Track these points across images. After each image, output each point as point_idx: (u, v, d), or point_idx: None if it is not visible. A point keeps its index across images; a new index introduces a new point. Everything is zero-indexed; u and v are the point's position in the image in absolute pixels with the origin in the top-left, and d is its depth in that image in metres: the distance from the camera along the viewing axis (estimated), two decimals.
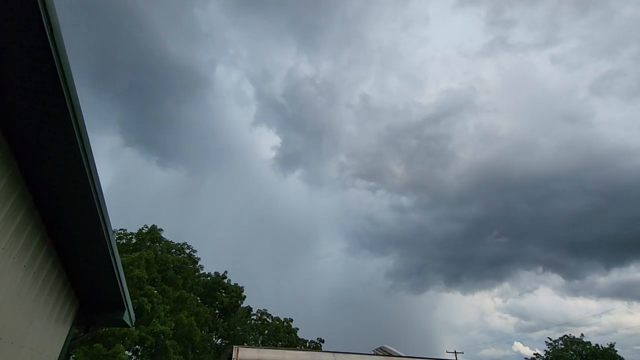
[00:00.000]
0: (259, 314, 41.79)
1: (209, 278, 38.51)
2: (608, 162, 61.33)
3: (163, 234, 34.25)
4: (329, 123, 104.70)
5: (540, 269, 70.01)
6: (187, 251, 36.49)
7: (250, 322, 40.22)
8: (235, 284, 39.93)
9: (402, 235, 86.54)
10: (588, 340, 41.31)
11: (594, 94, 72.31)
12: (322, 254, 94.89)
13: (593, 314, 63.07)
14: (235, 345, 14.65)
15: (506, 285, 78.54)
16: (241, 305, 39.73)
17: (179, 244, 36.08)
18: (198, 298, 34.42)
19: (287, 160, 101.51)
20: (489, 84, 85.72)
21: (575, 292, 65.48)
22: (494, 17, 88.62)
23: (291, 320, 42.42)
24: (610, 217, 62.17)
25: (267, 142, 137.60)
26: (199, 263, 37.11)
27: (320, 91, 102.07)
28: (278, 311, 42.83)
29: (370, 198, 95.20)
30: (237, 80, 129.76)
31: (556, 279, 68.06)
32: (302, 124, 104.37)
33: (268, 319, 41.72)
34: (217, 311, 37.82)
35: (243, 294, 39.78)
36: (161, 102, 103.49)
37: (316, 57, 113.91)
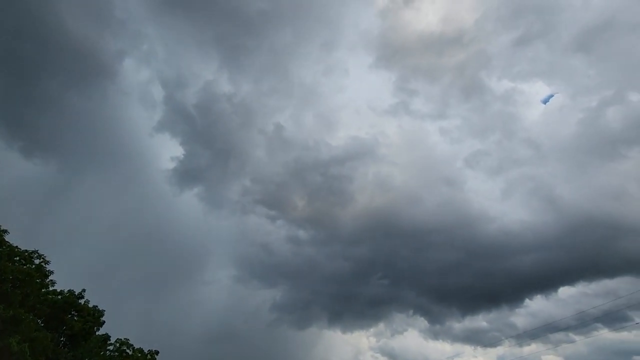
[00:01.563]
0: (118, 344, 35.92)
1: (59, 297, 32.02)
2: (472, 223, 74.67)
3: (8, 237, 27.75)
4: (239, 145, 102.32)
5: (411, 312, 78.29)
6: (37, 261, 30.03)
7: (105, 354, 34.19)
8: (95, 307, 33.98)
9: (294, 269, 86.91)
10: None
11: (467, 166, 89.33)
12: (208, 280, 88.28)
13: (447, 357, 72.95)
14: None
15: (381, 326, 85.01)
16: (97, 333, 33.71)
17: (26, 251, 29.53)
18: (40, 320, 28.12)
19: (187, 174, 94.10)
20: (390, 139, 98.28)
21: (436, 335, 76.53)
22: (401, 84, 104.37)
23: (156, 352, 37.51)
24: (469, 271, 74.91)
25: (168, 151, 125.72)
26: (50, 277, 30.77)
27: (236, 111, 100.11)
28: (143, 341, 37.50)
29: (269, 227, 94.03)
30: (147, 79, 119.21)
31: (422, 322, 77.64)
32: (211, 140, 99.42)
33: (128, 350, 36.07)
34: (62, 338, 31.30)
35: (102, 318, 33.98)
36: (44, 79, 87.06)
37: (238, 77, 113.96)
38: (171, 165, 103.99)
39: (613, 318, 38.53)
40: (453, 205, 78.31)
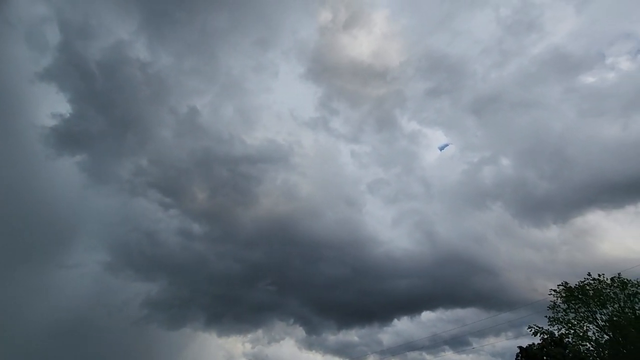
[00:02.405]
0: None
1: None
2: (363, 244, 79.16)
3: None
4: (143, 119, 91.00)
5: (292, 320, 78.52)
6: None
7: None
8: None
9: (179, 263, 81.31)
10: None
11: (368, 190, 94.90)
12: (70, 263, 75.79)
13: None
14: None
15: (260, 332, 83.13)
16: None
17: None
18: None
19: (70, 137, 79.34)
20: (305, 150, 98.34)
21: (310, 346, 75.83)
22: (325, 100, 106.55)
23: None
24: (353, 288, 77.93)
25: (50, 106, 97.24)
26: None
27: (148, 82, 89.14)
28: None
29: (160, 214, 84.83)
30: (42, 15, 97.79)
31: (300, 332, 78.49)
32: (109, 106, 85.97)
33: None
34: None
35: None
36: None
37: (158, 46, 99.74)
38: (51, 122, 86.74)
39: (458, 342, 46.69)
40: (349, 225, 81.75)
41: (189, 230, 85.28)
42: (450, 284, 69.06)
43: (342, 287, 78.37)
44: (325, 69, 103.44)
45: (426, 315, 69.53)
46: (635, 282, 27.68)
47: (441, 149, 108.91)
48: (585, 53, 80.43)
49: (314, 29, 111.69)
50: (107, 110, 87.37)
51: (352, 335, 76.07)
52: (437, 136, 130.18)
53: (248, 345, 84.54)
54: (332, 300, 77.44)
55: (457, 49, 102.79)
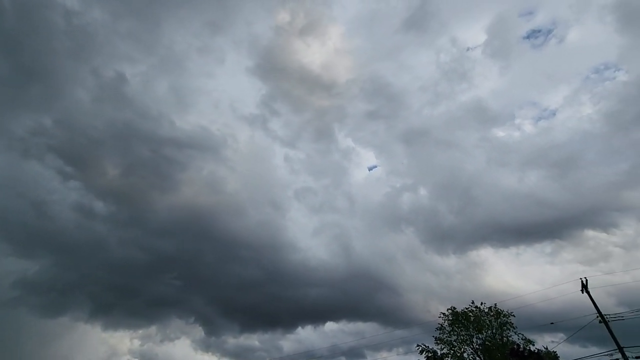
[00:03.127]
0: None
1: None
2: (281, 249, 79.11)
3: None
4: (57, 73, 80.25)
5: (192, 319, 75.43)
6: None
7: None
8: None
9: (71, 243, 71.19)
10: None
11: (295, 197, 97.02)
12: None
13: None
14: None
15: (153, 329, 77.35)
16: None
17: None
18: None
19: None
20: (238, 145, 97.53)
21: (207, 348, 72.53)
22: (269, 99, 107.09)
23: None
24: (263, 291, 77.47)
25: None
26: None
27: (71, 33, 79.40)
28: None
29: (56, 184, 75.13)
30: None
31: (199, 332, 75.15)
32: (18, 49, 74.80)
33: None
34: None
35: None
36: None
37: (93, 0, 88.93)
38: None
39: (354, 354, 48.48)
40: (271, 228, 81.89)
41: (89, 208, 76.19)
42: (356, 298, 72.30)
43: (252, 290, 76.69)
44: (274, 69, 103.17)
45: (330, 325, 71.55)
46: (507, 313, 32.08)
47: (370, 169, 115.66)
48: (500, 110, 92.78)
49: (269, 27, 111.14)
50: (12, 53, 74.80)
51: (254, 340, 74.36)
52: (369, 156, 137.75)
53: (137, 342, 75.71)
54: (240, 302, 75.19)
55: (399, 81, 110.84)
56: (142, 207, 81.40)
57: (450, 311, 33.76)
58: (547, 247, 69.64)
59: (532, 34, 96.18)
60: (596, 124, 73.69)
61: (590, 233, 61.19)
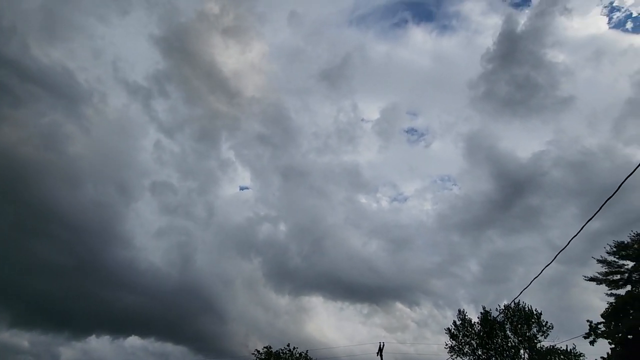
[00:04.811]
0: None
1: None
2: (113, 241, 70.54)
3: None
4: None
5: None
6: None
7: None
8: None
9: None
10: None
11: (151, 189, 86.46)
12: None
13: None
14: None
15: None
16: None
17: None
18: None
19: None
20: (106, 109, 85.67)
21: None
22: (162, 77, 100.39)
23: None
24: (65, 282, 65.27)
25: None
26: None
27: None
28: None
29: None
30: None
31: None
32: None
33: None
34: None
35: None
36: None
37: None
38: None
39: None
40: (106, 213, 71.85)
41: None
42: (177, 316, 66.65)
43: (48, 277, 62.45)
44: (181, 50, 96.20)
45: (133, 340, 62.85)
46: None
47: (242, 189, 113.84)
48: (369, 181, 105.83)
49: (194, 9, 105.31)
50: None
51: (23, 339, 60.00)
52: (245, 176, 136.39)
53: None
54: (25, 288, 59.65)
55: (299, 119, 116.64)
56: None
57: (265, 349, 34.57)
58: (365, 308, 78.90)
59: (410, 131, 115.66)
60: (430, 219, 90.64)
61: (399, 305, 72.37)
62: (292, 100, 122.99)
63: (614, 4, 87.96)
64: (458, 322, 32.14)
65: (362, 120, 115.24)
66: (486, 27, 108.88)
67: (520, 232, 72.32)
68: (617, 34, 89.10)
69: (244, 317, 70.59)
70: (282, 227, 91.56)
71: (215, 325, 67.60)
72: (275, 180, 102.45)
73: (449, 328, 32.34)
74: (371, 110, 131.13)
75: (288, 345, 35.90)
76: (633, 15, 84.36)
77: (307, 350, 36.34)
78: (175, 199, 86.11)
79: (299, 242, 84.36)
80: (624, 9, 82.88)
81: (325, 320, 77.15)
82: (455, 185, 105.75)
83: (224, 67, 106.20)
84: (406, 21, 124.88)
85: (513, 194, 70.72)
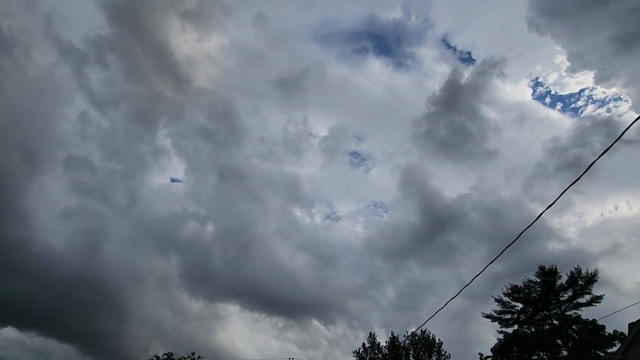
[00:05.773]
0: None
1: None
2: (6, 216, 62.36)
3: None
4: None
5: None
6: None
7: None
8: None
9: None
10: None
11: (65, 164, 75.32)
12: None
13: None
14: None
15: None
16: None
17: None
18: None
19: None
20: (29, 65, 69.98)
21: None
22: (105, 47, 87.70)
23: None
24: None
25: None
26: None
27: None
28: None
29: None
30: None
31: None
32: None
33: None
34: None
35: None
36: None
37: None
38: None
39: None
40: (4, 182, 63.84)
41: None
42: (69, 310, 59.46)
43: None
44: (133, 22, 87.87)
45: (8, 332, 54.20)
46: None
47: (173, 180, 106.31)
48: (307, 195, 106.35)
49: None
50: None
51: None
52: (178, 168, 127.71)
53: None
54: None
55: (247, 120, 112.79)
56: None
57: (165, 356, 32.17)
58: (281, 322, 77.63)
59: (354, 154, 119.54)
60: (358, 241, 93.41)
61: (315, 322, 72.55)
62: (244, 100, 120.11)
63: (539, 80, 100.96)
64: (367, 345, 33.11)
65: (310, 134, 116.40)
66: (436, 73, 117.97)
67: (437, 265, 77.65)
68: (537, 105, 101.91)
69: (148, 319, 65.08)
70: (210, 228, 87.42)
71: (113, 325, 61.25)
72: (211, 177, 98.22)
73: (357, 350, 33.13)
74: (320, 127, 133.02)
75: (193, 354, 33.82)
76: (551, 93, 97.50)
77: None
78: (92, 178, 77.49)
79: (224, 245, 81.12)
80: (546, 85, 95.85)
81: (239, 331, 74.49)
82: (386, 212, 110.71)
83: (177, 50, 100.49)
84: (367, 50, 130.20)
85: (436, 229, 76.01)
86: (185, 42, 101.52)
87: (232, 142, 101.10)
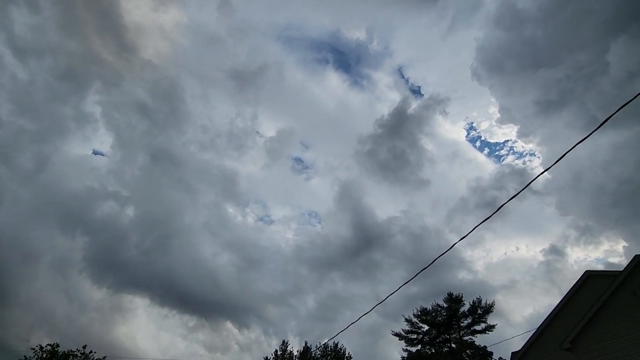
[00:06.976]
0: None
1: None
2: None
3: None
4: None
5: None
6: None
7: None
8: None
9: None
10: None
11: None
12: None
13: None
14: None
15: None
16: None
17: None
18: None
19: None
20: None
21: None
22: (60, 19, 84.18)
23: None
24: None
25: None
26: None
27: None
28: None
29: None
30: None
31: None
32: None
33: None
34: None
35: None
36: None
37: None
38: None
39: None
40: None
41: None
42: None
43: None
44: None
45: None
46: None
47: (95, 153, 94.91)
48: (243, 193, 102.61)
49: None
50: None
51: None
52: (104, 140, 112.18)
53: None
54: None
55: (193, 105, 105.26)
56: None
57: (49, 347, 28.18)
58: (192, 321, 73.21)
59: (297, 160, 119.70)
60: (287, 247, 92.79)
61: (229, 324, 69.74)
62: (193, 84, 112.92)
63: (473, 124, 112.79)
64: (279, 352, 32.73)
65: (257, 132, 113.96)
66: (387, 98, 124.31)
67: (359, 280, 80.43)
68: (469, 146, 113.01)
69: (36, 304, 56.50)
70: (130, 211, 79.57)
71: None
72: (140, 157, 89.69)
73: (267, 357, 32.56)
74: (269, 127, 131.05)
75: (84, 347, 30.06)
76: (481, 138, 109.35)
77: (104, 357, 31.05)
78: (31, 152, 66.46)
79: (143, 232, 74.45)
80: (478, 130, 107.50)
81: (143, 327, 68.33)
82: (319, 223, 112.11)
83: (127, 14, 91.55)
84: (327, 61, 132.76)
85: (363, 245, 78.90)
86: (138, 8, 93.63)
87: (172, 125, 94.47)
